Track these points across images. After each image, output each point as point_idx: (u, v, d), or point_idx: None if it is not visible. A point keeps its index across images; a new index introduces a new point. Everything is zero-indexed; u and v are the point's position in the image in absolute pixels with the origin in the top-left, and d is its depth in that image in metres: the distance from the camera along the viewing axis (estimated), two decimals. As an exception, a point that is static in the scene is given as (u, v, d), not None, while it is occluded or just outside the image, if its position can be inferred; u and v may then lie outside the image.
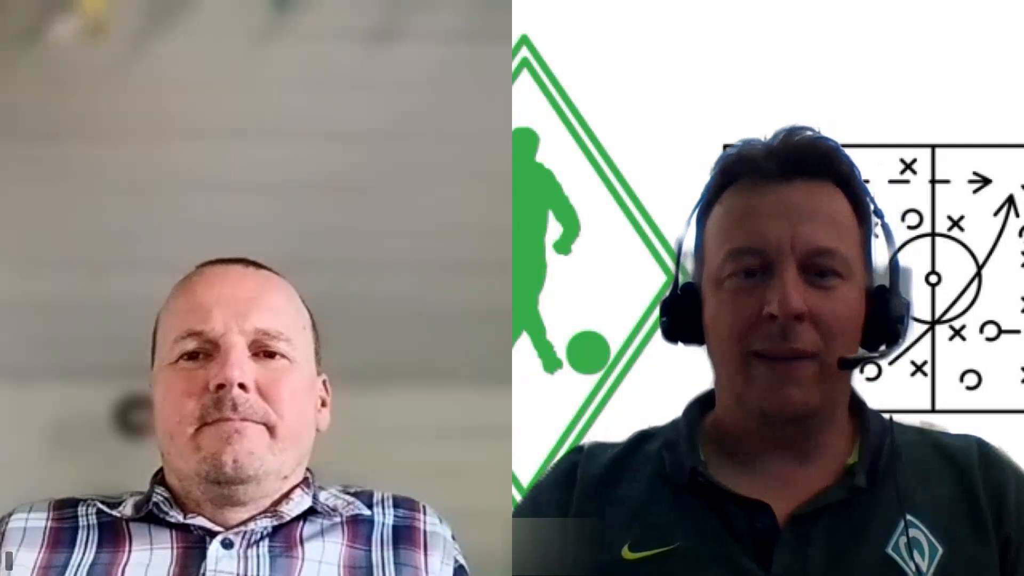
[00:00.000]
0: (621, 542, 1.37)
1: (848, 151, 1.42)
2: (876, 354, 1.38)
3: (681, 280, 1.42)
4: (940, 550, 1.33)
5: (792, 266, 1.33)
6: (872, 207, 1.39)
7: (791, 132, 1.39)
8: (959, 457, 1.38)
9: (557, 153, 2.28)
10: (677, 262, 1.44)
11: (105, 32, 1.94)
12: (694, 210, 1.43)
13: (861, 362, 1.37)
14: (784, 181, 1.36)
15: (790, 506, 1.35)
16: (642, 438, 1.47)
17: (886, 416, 1.41)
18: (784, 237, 1.33)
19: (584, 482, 1.43)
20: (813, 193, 1.36)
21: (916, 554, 1.32)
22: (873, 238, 1.39)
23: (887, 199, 1.92)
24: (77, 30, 1.94)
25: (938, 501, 1.36)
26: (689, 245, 1.43)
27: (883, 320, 1.36)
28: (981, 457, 1.38)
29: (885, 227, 1.39)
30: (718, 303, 1.37)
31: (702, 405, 1.45)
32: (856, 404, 1.42)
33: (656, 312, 2.25)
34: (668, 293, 1.43)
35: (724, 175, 1.40)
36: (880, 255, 1.39)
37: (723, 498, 1.36)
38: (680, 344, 1.43)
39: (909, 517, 1.34)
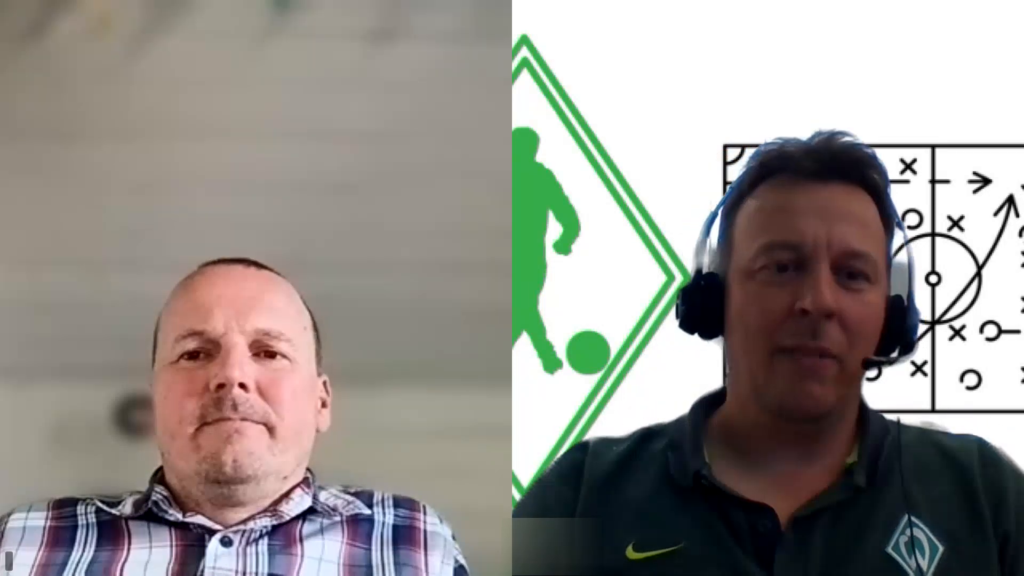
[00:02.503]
0: (625, 542, 1.37)
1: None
2: (898, 359, 1.39)
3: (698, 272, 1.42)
4: (940, 549, 1.33)
5: (826, 264, 1.33)
6: (896, 219, 1.40)
7: (833, 135, 1.40)
8: (959, 456, 1.39)
9: (557, 153, 2.28)
10: (701, 252, 1.43)
11: (111, 29, 1.94)
12: (723, 201, 1.43)
13: (885, 363, 1.37)
14: (821, 182, 1.37)
15: (792, 507, 1.35)
16: (647, 435, 1.46)
17: (894, 417, 1.41)
18: (821, 235, 1.34)
19: (591, 482, 1.43)
20: (848, 196, 1.37)
21: (917, 553, 1.33)
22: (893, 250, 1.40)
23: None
24: (83, 27, 1.94)
25: (938, 500, 1.36)
26: (713, 236, 1.43)
27: (899, 329, 1.37)
28: (981, 456, 1.39)
29: (906, 239, 1.40)
30: (747, 295, 1.37)
31: (708, 405, 1.46)
32: (859, 405, 1.42)
33: (656, 312, 2.26)
34: (690, 282, 1.43)
35: (762, 168, 1.40)
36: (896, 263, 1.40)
37: (726, 500, 1.36)
38: (696, 335, 1.42)
39: (910, 516, 1.34)
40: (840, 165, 1.38)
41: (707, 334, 1.42)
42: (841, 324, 1.33)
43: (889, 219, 1.40)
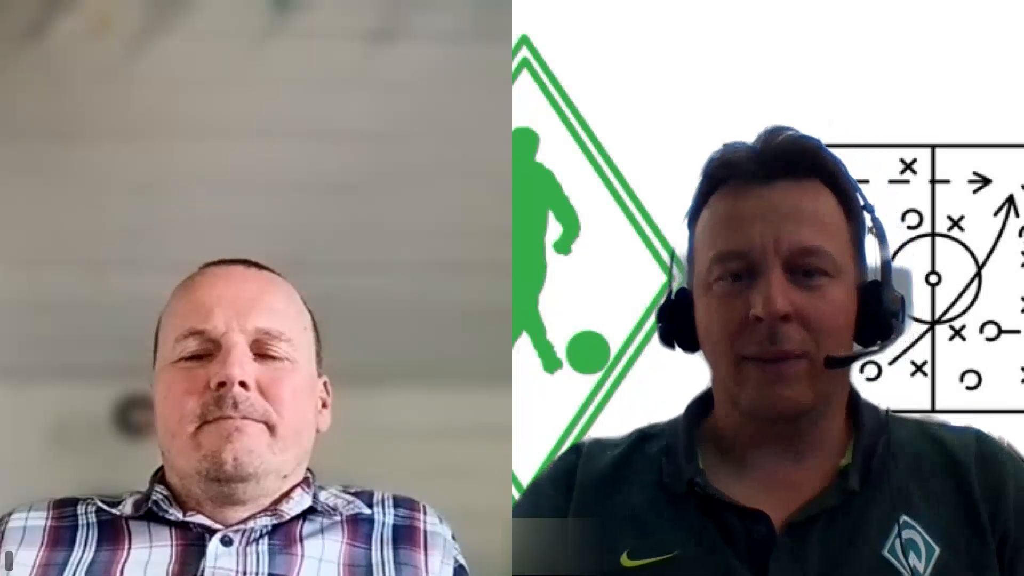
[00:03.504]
0: (620, 549, 1.37)
1: (848, 151, 1.42)
2: (867, 352, 1.37)
3: (675, 285, 1.43)
4: (937, 550, 1.32)
5: (777, 267, 1.32)
6: (862, 203, 1.38)
7: (772, 133, 1.39)
8: (957, 452, 1.38)
9: (557, 153, 2.28)
10: (671, 268, 1.44)
11: (111, 29, 1.94)
12: (686, 216, 1.43)
13: (848, 361, 1.36)
14: (767, 182, 1.36)
15: (787, 511, 1.35)
16: (642, 437, 1.46)
17: (883, 409, 1.40)
18: (767, 238, 1.33)
19: (583, 486, 1.43)
20: (796, 192, 1.36)
21: (912, 555, 1.32)
22: (865, 234, 1.39)
23: (887, 199, 1.92)
24: (83, 27, 1.94)
25: (934, 499, 1.35)
26: (682, 251, 1.43)
27: (876, 316, 1.36)
28: (979, 452, 1.38)
29: (876, 222, 1.38)
30: (707, 307, 1.37)
31: (702, 405, 1.45)
32: (852, 400, 1.41)
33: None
34: (663, 299, 1.43)
35: (710, 180, 1.40)
36: (874, 251, 1.38)
37: (720, 507, 1.36)
38: (677, 349, 1.42)
39: (905, 517, 1.33)
40: (785, 162, 1.36)
41: (686, 348, 1.42)
42: (802, 323, 1.32)
43: (852, 206, 1.38)
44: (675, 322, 1.41)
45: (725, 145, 1.41)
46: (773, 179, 1.36)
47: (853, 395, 1.42)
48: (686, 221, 1.43)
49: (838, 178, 1.38)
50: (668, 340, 1.43)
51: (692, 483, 1.38)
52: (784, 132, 1.39)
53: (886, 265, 1.37)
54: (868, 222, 1.39)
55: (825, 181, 1.37)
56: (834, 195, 1.37)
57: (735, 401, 1.37)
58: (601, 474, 1.43)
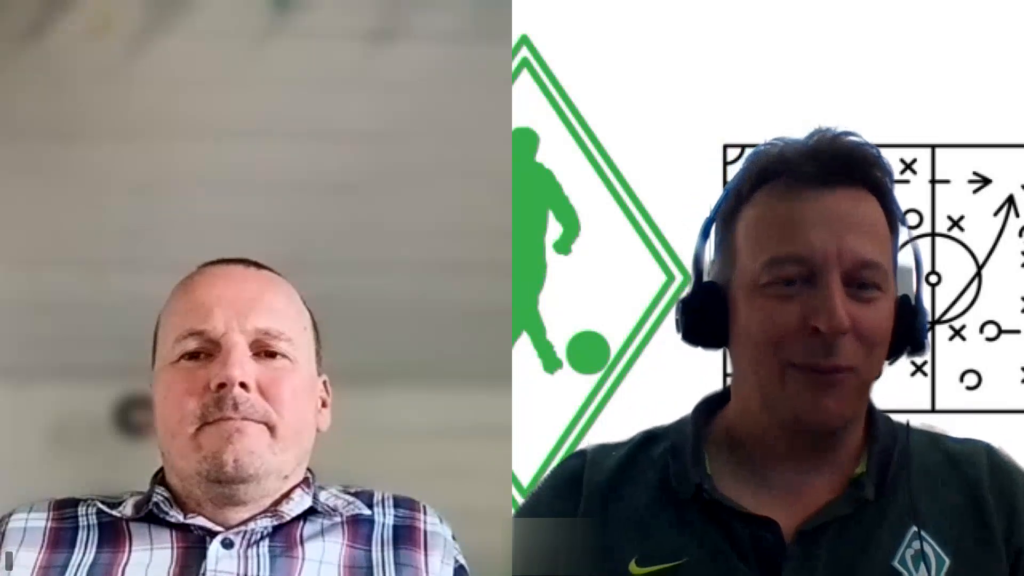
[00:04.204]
0: (627, 554, 1.36)
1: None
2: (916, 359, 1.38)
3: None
4: (947, 562, 1.32)
5: (837, 278, 1.29)
6: (900, 216, 1.36)
7: (835, 136, 1.34)
8: (967, 465, 1.36)
9: (557, 153, 2.28)
10: (700, 260, 1.39)
11: (111, 29, 1.94)
12: (718, 207, 1.38)
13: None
14: (825, 187, 1.31)
15: (798, 519, 1.33)
16: (647, 439, 1.44)
17: (902, 421, 1.39)
18: (830, 247, 1.29)
19: (590, 493, 1.41)
20: (854, 201, 1.32)
21: (923, 566, 1.31)
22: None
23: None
24: (83, 27, 1.94)
25: (945, 511, 1.34)
26: (710, 243, 1.39)
27: (911, 330, 1.34)
28: (990, 465, 1.36)
29: (911, 237, 1.36)
30: (753, 310, 1.32)
31: (711, 405, 1.43)
32: (867, 409, 1.39)
33: (656, 312, 2.26)
34: (688, 292, 1.39)
35: (760, 174, 1.35)
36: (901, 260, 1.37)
37: (728, 514, 1.34)
38: (699, 348, 1.38)
39: (916, 528, 1.32)
40: (843, 168, 1.32)
41: (710, 346, 1.38)
42: (856, 336, 1.29)
43: (893, 218, 1.35)
44: (701, 318, 1.37)
45: (779, 139, 1.37)
46: (831, 184, 1.31)
47: (868, 404, 1.39)
48: (718, 214, 1.38)
49: (886, 191, 1.35)
50: (692, 336, 1.38)
51: (699, 488, 1.36)
52: (845, 136, 1.34)
53: (920, 281, 1.36)
54: (903, 237, 1.37)
55: (874, 192, 1.34)
56: (881, 206, 1.34)
57: (771, 407, 1.33)
58: (608, 476, 1.41)
